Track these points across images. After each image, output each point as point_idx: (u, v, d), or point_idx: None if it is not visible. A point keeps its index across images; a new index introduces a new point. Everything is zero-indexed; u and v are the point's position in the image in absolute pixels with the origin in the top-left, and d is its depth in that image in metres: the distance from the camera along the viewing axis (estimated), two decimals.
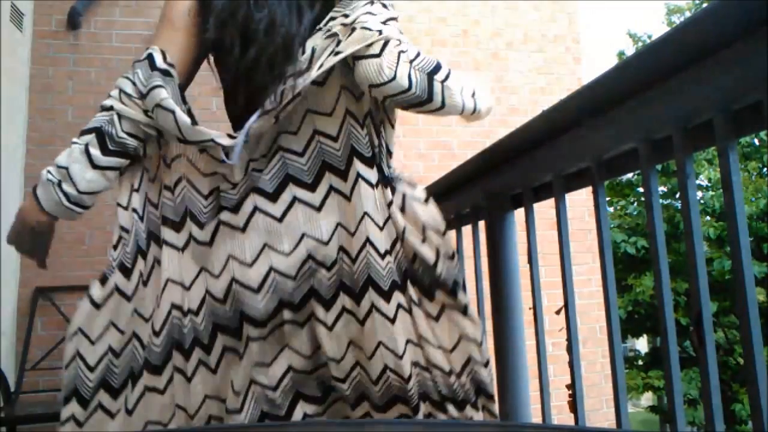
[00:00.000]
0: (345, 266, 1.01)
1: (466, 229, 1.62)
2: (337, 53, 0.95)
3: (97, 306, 1.03)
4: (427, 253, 1.00)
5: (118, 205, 1.07)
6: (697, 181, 7.29)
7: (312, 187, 1.01)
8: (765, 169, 11.72)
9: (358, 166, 1.00)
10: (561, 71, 4.29)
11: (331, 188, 1.01)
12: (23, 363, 2.98)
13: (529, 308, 1.23)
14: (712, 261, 9.22)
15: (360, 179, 1.00)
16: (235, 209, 1.01)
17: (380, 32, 0.97)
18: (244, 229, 1.00)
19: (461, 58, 4.12)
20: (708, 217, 10.27)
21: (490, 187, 1.38)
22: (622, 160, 0.96)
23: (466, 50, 4.14)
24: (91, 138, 1.01)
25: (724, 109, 0.72)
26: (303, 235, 1.00)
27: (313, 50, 0.98)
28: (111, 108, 1.02)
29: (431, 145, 3.93)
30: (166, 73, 1.02)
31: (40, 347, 3.07)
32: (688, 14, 13.59)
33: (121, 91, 1.03)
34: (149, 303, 1.04)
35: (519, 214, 1.30)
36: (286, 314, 1.01)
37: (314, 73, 0.96)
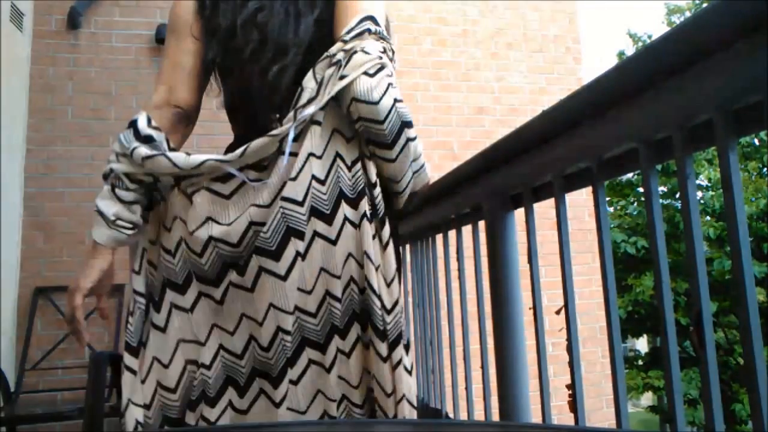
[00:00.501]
0: (332, 308, 1.02)
1: (466, 229, 1.62)
2: (343, 77, 0.97)
3: (135, 373, 1.06)
4: (387, 298, 1.01)
5: (133, 271, 1.08)
6: (697, 181, 7.28)
7: (303, 237, 1.01)
8: (765, 169, 11.72)
9: (345, 209, 1.01)
10: (561, 71, 4.29)
11: (315, 234, 1.01)
12: (23, 363, 2.98)
13: (529, 308, 1.23)
14: (712, 261, 9.22)
15: (346, 222, 1.01)
16: (242, 271, 1.01)
17: (380, 57, 0.99)
18: (252, 290, 1.01)
19: (461, 58, 4.12)
20: (708, 217, 10.26)
21: (490, 187, 1.38)
22: (622, 160, 0.96)
23: (466, 50, 4.14)
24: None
25: (724, 109, 0.72)
26: (298, 289, 1.02)
27: (322, 80, 0.99)
28: (111, 171, 1.04)
29: (431, 145, 3.93)
30: (148, 140, 1.04)
31: (40, 347, 3.07)
32: (688, 14, 13.59)
33: (115, 153, 1.05)
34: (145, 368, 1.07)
35: (519, 214, 1.30)
36: (290, 373, 1.03)
37: (325, 99, 0.97)
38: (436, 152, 3.92)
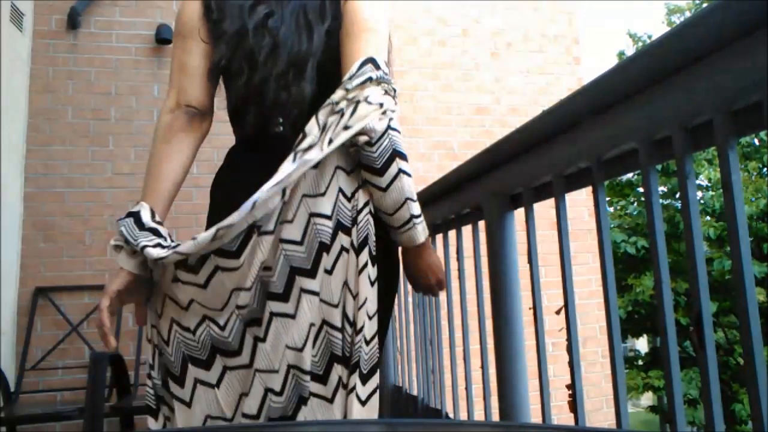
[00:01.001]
0: (331, 337, 1.02)
1: (466, 229, 1.62)
2: (347, 128, 0.98)
3: None
4: (360, 325, 1.03)
5: (152, 327, 1.08)
6: (697, 181, 7.28)
7: (312, 274, 1.02)
8: (765, 169, 11.72)
9: (342, 238, 1.03)
10: (561, 71, 4.29)
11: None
12: (23, 363, 2.98)
13: (529, 308, 1.23)
14: (712, 261, 9.21)
15: (342, 250, 1.03)
16: (259, 321, 1.02)
17: (381, 104, 1.01)
18: (264, 339, 1.01)
19: (461, 58, 4.12)
20: (708, 217, 10.26)
21: (490, 187, 1.38)
22: (622, 160, 0.96)
23: (466, 50, 4.14)
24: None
25: (724, 109, 0.72)
26: (311, 325, 1.02)
27: (324, 126, 1.00)
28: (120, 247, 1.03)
29: (431, 145, 3.93)
30: (155, 232, 1.02)
31: (40, 347, 3.07)
32: (688, 14, 13.59)
33: (118, 244, 1.03)
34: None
35: (519, 214, 1.30)
36: (303, 410, 1.01)
37: (326, 149, 0.98)
38: (436, 152, 3.92)
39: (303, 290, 1.01)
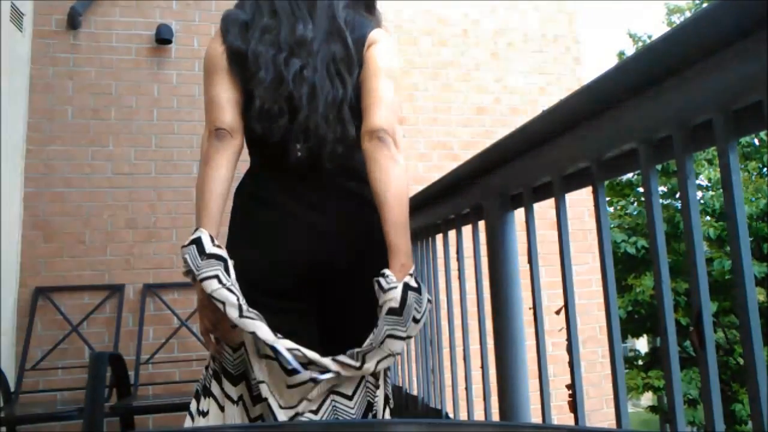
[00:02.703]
0: None
1: (466, 229, 1.62)
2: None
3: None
4: None
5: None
6: (697, 181, 7.27)
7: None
8: (765, 169, 11.71)
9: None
10: (561, 71, 4.29)
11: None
12: (23, 363, 2.98)
13: (529, 308, 1.23)
14: (712, 261, 9.21)
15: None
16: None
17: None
18: (316, 412, 1.12)
19: (461, 58, 4.12)
20: (708, 217, 10.26)
21: (490, 187, 1.38)
22: (622, 160, 0.96)
23: (466, 50, 4.14)
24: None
25: (724, 109, 0.72)
26: None
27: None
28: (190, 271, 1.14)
29: (431, 145, 3.93)
30: (218, 258, 1.13)
31: (40, 347, 3.07)
32: (688, 14, 13.58)
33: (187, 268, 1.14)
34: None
35: (519, 214, 1.30)
36: None
37: (380, 337, 1.08)
38: (436, 152, 3.92)
39: None
